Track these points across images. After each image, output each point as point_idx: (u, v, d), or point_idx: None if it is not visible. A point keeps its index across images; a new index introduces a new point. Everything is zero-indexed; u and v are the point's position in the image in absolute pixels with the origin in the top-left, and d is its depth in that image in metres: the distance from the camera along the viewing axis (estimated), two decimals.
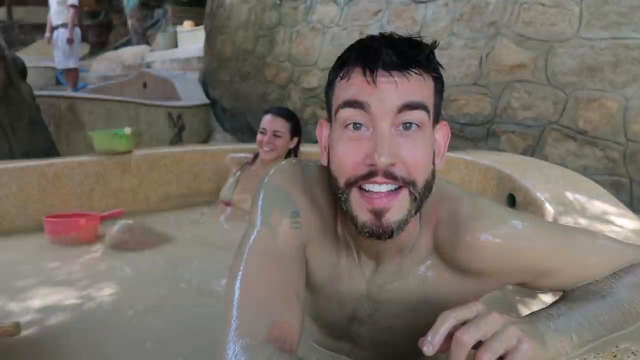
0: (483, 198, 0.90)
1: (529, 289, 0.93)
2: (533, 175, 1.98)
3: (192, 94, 5.64)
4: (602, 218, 1.45)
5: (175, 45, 9.48)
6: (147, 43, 10.56)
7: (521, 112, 3.12)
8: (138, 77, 6.48)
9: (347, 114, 0.77)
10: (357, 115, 0.76)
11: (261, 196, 0.88)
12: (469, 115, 3.34)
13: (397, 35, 0.80)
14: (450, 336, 0.64)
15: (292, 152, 2.52)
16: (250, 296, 0.76)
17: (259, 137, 2.43)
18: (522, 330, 0.66)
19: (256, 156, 2.56)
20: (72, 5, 6.34)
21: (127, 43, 11.08)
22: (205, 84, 5.85)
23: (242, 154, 2.68)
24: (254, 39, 4.97)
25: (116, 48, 10.88)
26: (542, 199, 1.66)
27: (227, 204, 2.51)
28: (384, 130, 0.75)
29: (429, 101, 0.79)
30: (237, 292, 0.76)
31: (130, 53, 9.65)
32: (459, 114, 3.32)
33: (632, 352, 0.73)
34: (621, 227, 1.36)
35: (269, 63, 4.77)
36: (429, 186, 0.79)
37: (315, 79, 4.29)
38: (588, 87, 2.88)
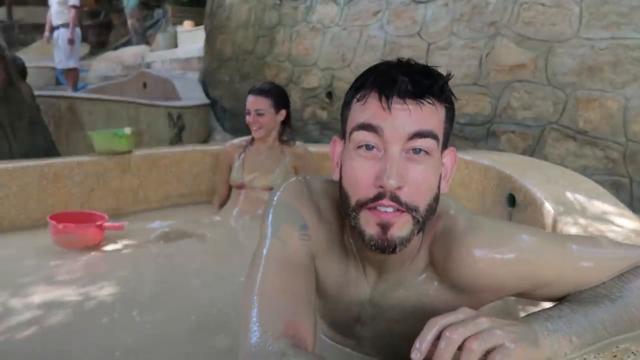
0: (481, 215, 0.92)
1: (526, 299, 0.94)
2: (533, 175, 1.98)
3: (192, 94, 5.63)
4: (602, 218, 1.45)
5: (175, 45, 9.47)
6: (147, 43, 10.55)
7: (521, 112, 3.12)
8: (138, 77, 6.48)
9: (361, 136, 0.82)
10: (370, 138, 0.81)
11: (271, 212, 0.95)
12: (468, 115, 3.34)
13: (414, 61, 0.84)
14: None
15: (285, 125, 2.55)
16: (266, 300, 0.81)
17: (247, 118, 2.49)
18: (512, 332, 0.68)
19: (252, 139, 2.61)
20: (74, 6, 6.35)
21: (127, 43, 11.07)
22: (205, 84, 5.85)
23: (239, 139, 2.72)
24: (254, 39, 4.97)
25: (116, 48, 10.88)
26: (542, 199, 1.66)
27: (240, 186, 2.55)
28: (395, 155, 0.80)
29: (439, 129, 0.83)
30: (254, 297, 0.82)
31: (130, 53, 9.64)
32: (459, 114, 3.32)
33: (632, 352, 0.73)
34: (621, 227, 1.36)
35: (269, 63, 4.77)
36: (431, 209, 0.84)
37: (316, 79, 4.29)
38: (588, 87, 2.88)
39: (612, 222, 1.40)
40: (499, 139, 3.22)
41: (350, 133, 0.84)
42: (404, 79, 0.80)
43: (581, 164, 2.89)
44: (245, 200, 2.51)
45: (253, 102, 2.46)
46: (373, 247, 0.82)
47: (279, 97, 2.52)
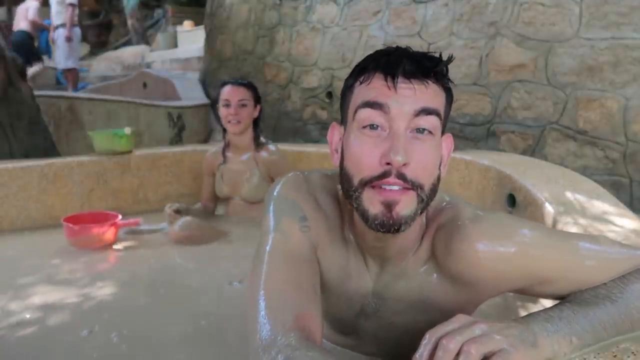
0: (486, 211, 0.92)
1: (528, 295, 0.94)
2: (533, 175, 1.98)
3: (192, 94, 5.64)
4: (602, 218, 1.45)
5: (175, 45, 9.47)
6: (147, 43, 10.56)
7: (521, 112, 3.12)
8: (138, 77, 6.49)
9: (366, 114, 0.82)
10: (375, 116, 0.81)
11: (271, 206, 0.95)
12: (469, 115, 3.34)
13: (410, 48, 0.85)
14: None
15: (257, 123, 2.41)
16: (274, 292, 0.81)
17: (223, 111, 2.32)
18: (510, 335, 0.68)
19: (228, 143, 2.45)
20: (71, 4, 6.35)
21: (127, 43, 11.08)
22: (205, 84, 5.85)
23: (215, 148, 2.55)
24: (254, 39, 4.97)
25: (116, 48, 10.89)
26: (542, 199, 1.66)
27: (224, 198, 2.50)
28: (401, 131, 0.80)
29: (442, 110, 0.84)
30: (261, 290, 0.82)
31: (130, 53, 9.65)
32: (459, 114, 3.32)
33: (632, 352, 0.73)
34: (621, 227, 1.36)
35: (269, 63, 4.77)
36: (434, 189, 0.84)
37: (316, 79, 4.29)
38: (588, 87, 2.88)
39: (612, 222, 1.40)
40: (499, 139, 3.22)
41: (355, 112, 0.84)
42: (406, 60, 0.81)
43: (581, 164, 2.89)
44: (232, 208, 2.48)
45: (235, 92, 2.30)
46: (378, 226, 0.81)
47: (256, 90, 2.39)
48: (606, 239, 0.92)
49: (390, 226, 0.81)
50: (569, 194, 1.68)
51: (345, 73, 3.61)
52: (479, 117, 3.30)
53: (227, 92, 2.32)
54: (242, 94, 2.31)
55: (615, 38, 2.80)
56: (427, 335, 0.68)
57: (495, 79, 3.21)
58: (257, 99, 2.38)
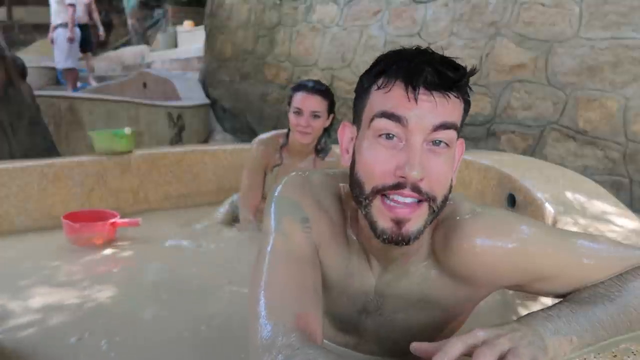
0: (485, 207, 0.91)
1: (525, 292, 0.94)
2: (533, 175, 1.98)
3: (192, 94, 5.64)
4: (602, 218, 1.45)
5: (175, 45, 9.49)
6: (147, 43, 10.56)
7: (521, 112, 3.12)
8: (138, 77, 6.49)
9: (382, 124, 0.79)
10: (392, 127, 0.79)
11: (273, 207, 0.95)
12: (469, 115, 3.34)
13: (431, 50, 0.82)
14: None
15: (327, 129, 2.19)
16: (275, 292, 0.81)
17: (293, 119, 2.08)
18: (529, 344, 0.69)
19: (286, 143, 2.22)
20: (71, 4, 6.34)
21: (127, 43, 11.09)
22: (205, 84, 5.85)
23: (269, 138, 2.27)
24: (254, 39, 4.97)
25: (116, 48, 10.90)
26: (542, 199, 1.66)
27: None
28: (417, 146, 0.78)
29: (459, 122, 0.83)
30: (262, 290, 0.82)
31: (130, 53, 9.67)
32: None
33: (632, 352, 0.73)
34: (621, 227, 1.36)
35: (269, 63, 4.77)
36: (445, 200, 0.83)
37: (316, 79, 4.29)
38: (588, 87, 2.88)
39: (612, 222, 1.41)
40: (499, 139, 3.22)
41: (371, 120, 0.81)
42: (429, 69, 0.78)
43: (581, 164, 2.89)
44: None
45: (309, 101, 2.06)
46: (385, 241, 0.81)
47: (332, 100, 2.15)
48: (605, 238, 0.93)
49: (399, 242, 0.80)
50: (569, 194, 1.68)
51: (345, 73, 3.57)
52: (479, 117, 3.31)
53: (300, 99, 2.07)
54: (317, 105, 2.07)
55: (615, 38, 2.80)
56: (450, 344, 0.68)
57: (495, 79, 3.22)
58: (331, 108, 2.15)
